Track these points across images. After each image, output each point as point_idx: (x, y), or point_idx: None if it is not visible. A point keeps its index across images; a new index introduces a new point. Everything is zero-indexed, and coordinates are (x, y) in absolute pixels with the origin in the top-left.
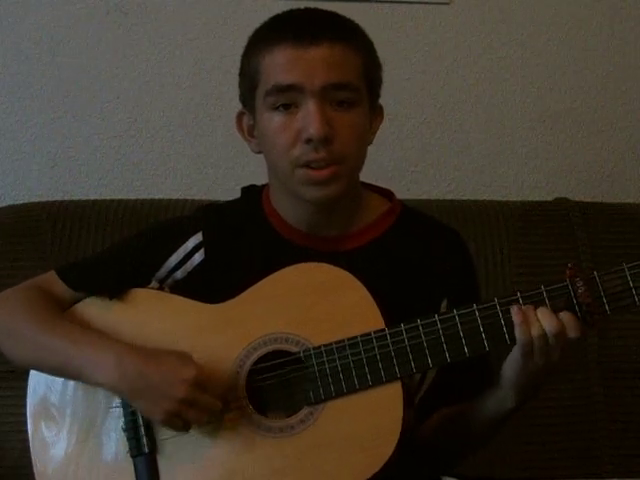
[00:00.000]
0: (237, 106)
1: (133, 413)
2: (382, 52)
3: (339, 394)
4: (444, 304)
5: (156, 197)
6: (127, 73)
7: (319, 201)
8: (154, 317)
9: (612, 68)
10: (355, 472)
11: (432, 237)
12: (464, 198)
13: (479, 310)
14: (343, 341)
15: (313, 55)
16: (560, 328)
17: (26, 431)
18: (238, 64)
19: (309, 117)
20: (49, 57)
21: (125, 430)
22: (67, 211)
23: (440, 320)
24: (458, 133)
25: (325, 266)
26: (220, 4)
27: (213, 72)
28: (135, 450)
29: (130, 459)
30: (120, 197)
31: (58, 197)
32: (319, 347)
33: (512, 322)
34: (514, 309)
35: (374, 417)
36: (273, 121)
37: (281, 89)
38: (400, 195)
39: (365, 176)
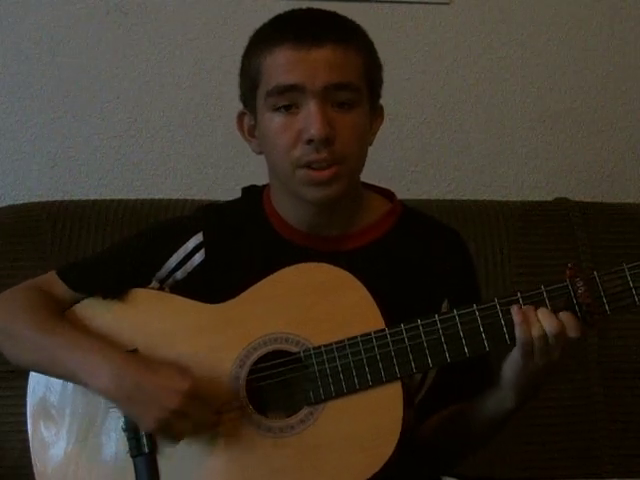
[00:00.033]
0: (237, 106)
1: None
2: (382, 52)
3: (339, 394)
4: (445, 304)
5: (156, 197)
6: (127, 73)
7: (320, 202)
8: (154, 317)
9: (612, 68)
10: (355, 472)
11: (432, 237)
12: (464, 198)
13: (479, 310)
14: (343, 341)
15: (314, 56)
16: (560, 328)
17: (26, 431)
18: (238, 64)
19: (310, 118)
20: (49, 57)
21: (125, 430)
22: (67, 211)
23: (440, 320)
24: (458, 133)
25: (325, 266)
26: (220, 4)
27: (213, 72)
28: (135, 450)
29: (130, 459)
30: (120, 197)
31: (58, 197)
32: (319, 347)
33: (512, 322)
34: (514, 309)
35: (374, 417)
36: (274, 121)
37: (282, 90)
38: (400, 195)
39: (365, 176)
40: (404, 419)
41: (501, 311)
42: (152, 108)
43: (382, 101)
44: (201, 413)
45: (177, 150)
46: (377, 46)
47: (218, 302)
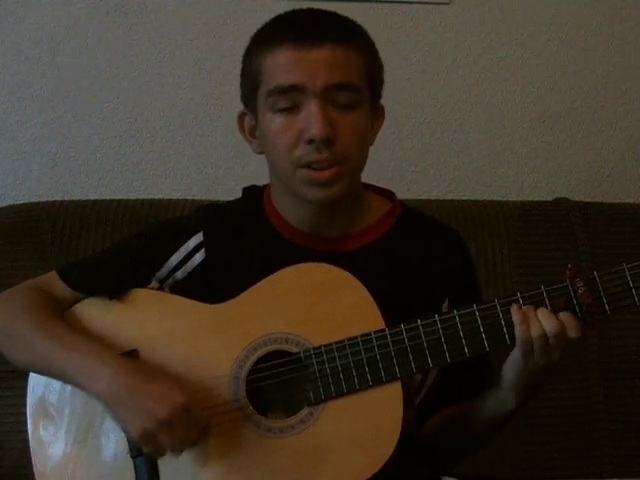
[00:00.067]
0: (237, 106)
1: None
2: (382, 52)
3: (339, 394)
4: (445, 304)
5: (156, 197)
6: (127, 73)
7: (321, 202)
8: (154, 317)
9: (612, 68)
10: (355, 472)
11: (432, 237)
12: (464, 198)
13: (479, 310)
14: (343, 341)
15: (315, 56)
16: (560, 328)
17: (26, 431)
18: (238, 64)
19: (311, 118)
20: (49, 57)
21: (125, 430)
22: (67, 211)
23: (440, 320)
24: (458, 133)
25: (325, 266)
26: (220, 4)
27: (213, 72)
28: (135, 450)
29: (130, 459)
30: (120, 197)
31: (58, 197)
32: (319, 347)
33: (512, 322)
34: (514, 309)
35: (374, 417)
36: (275, 122)
37: (283, 90)
38: (400, 195)
39: (365, 176)
40: (404, 419)
41: (501, 311)
42: (152, 108)
43: (382, 101)
44: (187, 430)
45: (177, 150)
46: (377, 46)
47: (218, 302)
